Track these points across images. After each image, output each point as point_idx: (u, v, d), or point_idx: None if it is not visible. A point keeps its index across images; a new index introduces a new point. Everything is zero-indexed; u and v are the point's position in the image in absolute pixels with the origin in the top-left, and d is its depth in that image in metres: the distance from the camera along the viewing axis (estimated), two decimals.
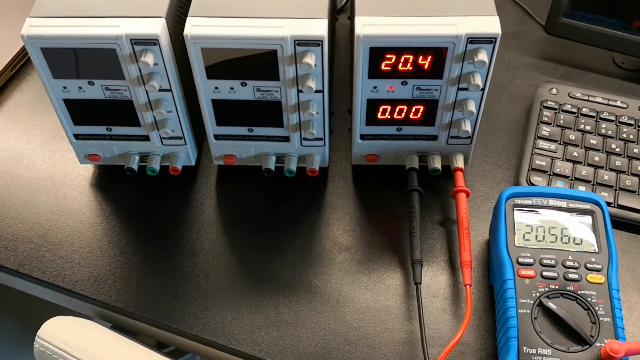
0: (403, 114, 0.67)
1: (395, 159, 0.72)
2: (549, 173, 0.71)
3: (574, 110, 0.76)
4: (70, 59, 0.61)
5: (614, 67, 0.85)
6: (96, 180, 0.74)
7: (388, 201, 0.72)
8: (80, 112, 0.67)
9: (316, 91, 0.63)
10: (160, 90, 0.64)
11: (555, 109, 0.76)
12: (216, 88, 0.64)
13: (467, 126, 0.66)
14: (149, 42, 0.59)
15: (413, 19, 0.60)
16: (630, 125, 0.75)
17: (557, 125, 0.75)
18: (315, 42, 0.59)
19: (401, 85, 0.64)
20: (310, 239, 0.69)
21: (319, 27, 0.59)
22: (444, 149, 0.70)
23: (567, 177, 0.71)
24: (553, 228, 0.62)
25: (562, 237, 0.61)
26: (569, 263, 0.59)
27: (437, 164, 0.70)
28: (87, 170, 0.75)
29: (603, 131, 0.74)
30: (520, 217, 0.62)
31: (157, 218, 0.71)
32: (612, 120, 0.75)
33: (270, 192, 0.73)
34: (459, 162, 0.70)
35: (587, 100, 0.77)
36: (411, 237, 0.66)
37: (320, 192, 0.73)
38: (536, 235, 0.61)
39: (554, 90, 0.78)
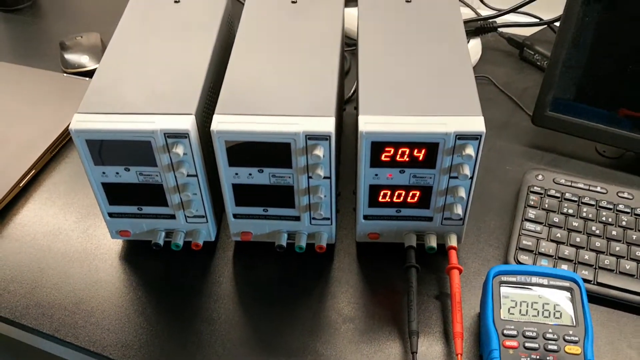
0: (401, 198, 0.75)
1: (396, 237, 0.79)
2: (534, 252, 0.78)
3: (558, 195, 0.84)
4: (110, 149, 0.70)
5: (597, 155, 0.94)
6: (125, 254, 0.82)
7: (389, 276, 0.79)
8: (115, 193, 0.75)
9: (324, 178, 0.72)
10: (187, 175, 0.72)
11: (541, 194, 0.84)
12: (236, 174, 0.72)
13: (458, 210, 0.74)
14: (180, 135, 0.69)
15: (409, 117, 0.69)
16: (609, 209, 0.82)
17: (543, 209, 0.83)
18: (324, 137, 0.68)
19: (399, 173, 0.72)
20: (318, 310, 0.76)
21: (327, 124, 0.68)
22: (438, 229, 0.78)
23: (551, 256, 0.78)
24: (535, 303, 0.68)
25: (543, 312, 0.68)
26: (548, 335, 0.66)
27: (432, 242, 0.78)
28: (117, 245, 0.83)
29: (584, 214, 0.82)
30: (506, 293, 0.69)
31: (180, 289, 0.79)
32: (592, 205, 0.83)
33: (282, 266, 0.81)
34: (453, 241, 0.77)
35: (570, 186, 0.85)
36: (409, 309, 0.73)
37: (327, 267, 0.81)
38: (520, 310, 0.68)
39: (540, 177, 0.86)
